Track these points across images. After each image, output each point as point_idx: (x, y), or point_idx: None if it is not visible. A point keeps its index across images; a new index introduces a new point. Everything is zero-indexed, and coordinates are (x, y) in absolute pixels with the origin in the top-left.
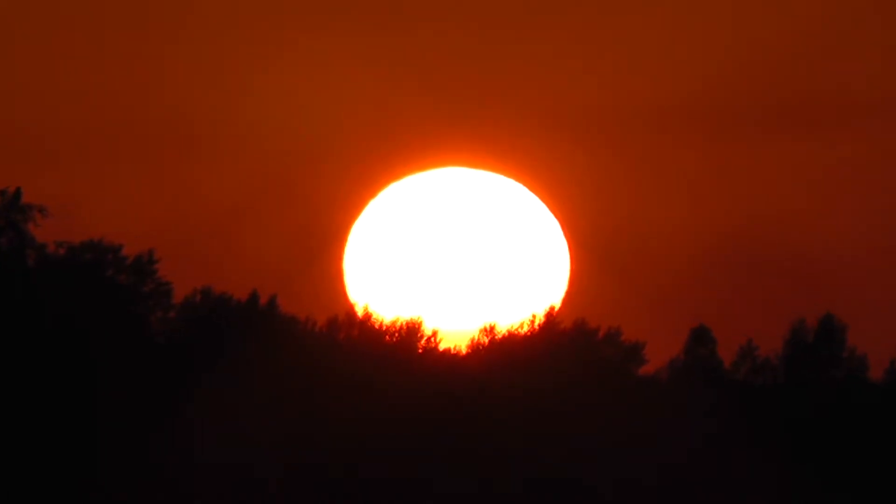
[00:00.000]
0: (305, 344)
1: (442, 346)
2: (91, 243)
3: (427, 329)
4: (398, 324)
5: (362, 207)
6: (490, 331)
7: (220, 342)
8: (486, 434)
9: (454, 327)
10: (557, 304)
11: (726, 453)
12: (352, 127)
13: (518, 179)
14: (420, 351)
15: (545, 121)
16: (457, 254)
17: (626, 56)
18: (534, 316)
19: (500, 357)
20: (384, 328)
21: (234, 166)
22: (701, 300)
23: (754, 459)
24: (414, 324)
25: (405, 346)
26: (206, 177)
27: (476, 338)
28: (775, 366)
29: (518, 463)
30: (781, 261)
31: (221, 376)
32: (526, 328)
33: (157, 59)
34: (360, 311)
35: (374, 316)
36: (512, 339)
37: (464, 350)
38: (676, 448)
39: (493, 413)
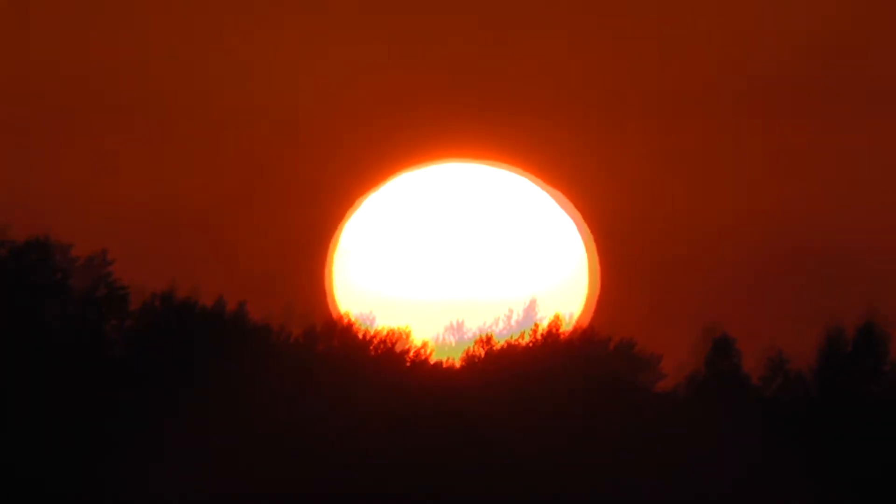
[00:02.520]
0: (278, 356)
1: (433, 359)
2: (37, 242)
3: (416, 340)
4: (383, 334)
5: (354, 206)
6: (487, 342)
7: (181, 353)
8: (480, 456)
9: (456, 338)
10: (576, 312)
11: (753, 478)
12: (347, 118)
13: (528, 173)
14: (408, 364)
15: (551, 109)
16: (459, 258)
17: (645, 37)
18: (536, 325)
19: (497, 371)
20: (368, 339)
21: (212, 157)
22: (724, 306)
23: (784, 485)
24: (401, 334)
25: (391, 359)
26: (179, 167)
27: (471, 350)
28: (808, 380)
29: (516, 487)
30: (816, 261)
31: (182, 392)
32: (527, 339)
33: (122, 32)
34: (342, 320)
35: (358, 326)
36: (511, 352)
37: (458, 363)
38: (696, 473)
39: (489, 433)
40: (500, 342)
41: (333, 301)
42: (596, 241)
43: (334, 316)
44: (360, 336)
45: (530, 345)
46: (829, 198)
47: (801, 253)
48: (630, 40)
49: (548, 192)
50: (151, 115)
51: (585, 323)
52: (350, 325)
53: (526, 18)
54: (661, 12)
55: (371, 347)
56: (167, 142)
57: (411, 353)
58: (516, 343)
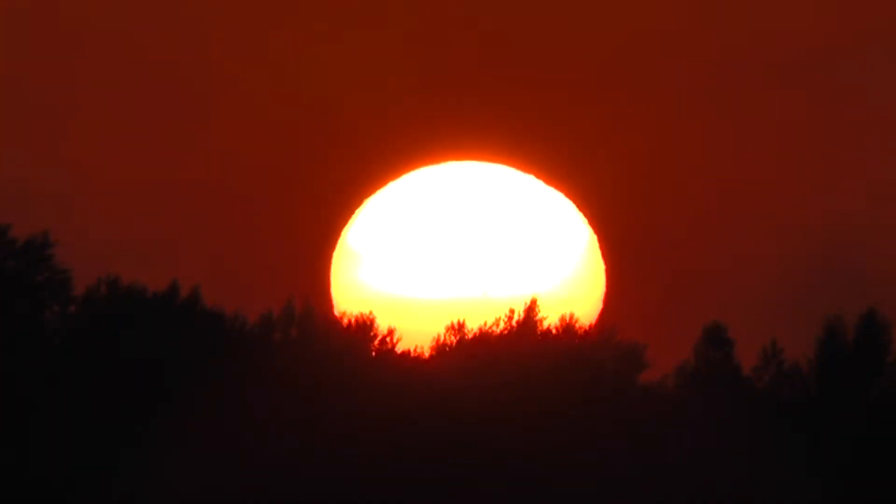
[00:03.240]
0: (273, 355)
1: (400, 348)
2: (37, 242)
3: (382, 328)
4: (345, 322)
5: (359, 206)
6: (459, 329)
7: (180, 354)
8: (448, 452)
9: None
10: (581, 312)
11: (745, 476)
12: (354, 119)
13: (530, 175)
14: (373, 353)
15: (554, 110)
16: (463, 257)
17: (651, 39)
18: (511, 311)
19: (469, 360)
20: (331, 327)
21: (218, 158)
22: (715, 293)
23: (779, 484)
24: (365, 321)
25: (354, 347)
26: (185, 168)
27: (441, 337)
28: (805, 373)
29: (486, 485)
30: (815, 249)
31: (182, 392)
32: (502, 326)
33: (128, 30)
34: (340, 319)
35: (318, 312)
36: (485, 340)
37: (427, 352)
38: (684, 471)
39: (457, 427)
40: (472, 330)
41: (334, 300)
42: (599, 240)
43: (336, 315)
44: (321, 324)
45: (504, 332)
46: (832, 198)
47: (804, 254)
48: (636, 42)
49: (550, 192)
50: (159, 112)
51: (592, 323)
52: (310, 313)
53: (537, 21)
54: (668, 13)
55: (333, 336)
56: (174, 140)
57: (376, 342)
58: (490, 331)
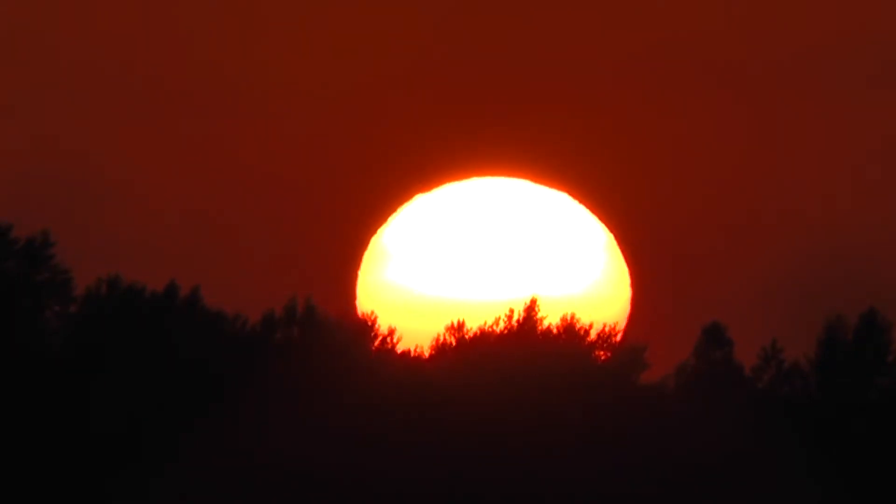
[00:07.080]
0: (231, 343)
1: (401, 347)
2: (37, 242)
3: (382, 327)
4: (347, 322)
5: (385, 219)
6: (458, 328)
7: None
8: (446, 452)
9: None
10: (594, 317)
11: (745, 476)
12: (378, 129)
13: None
14: (373, 353)
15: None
16: (493, 264)
17: (659, 48)
18: (511, 311)
19: (468, 360)
20: (332, 327)
21: (239, 163)
22: (715, 293)
23: (779, 484)
24: (366, 320)
25: (355, 347)
26: (204, 176)
27: (442, 337)
28: (806, 372)
29: (486, 484)
30: (815, 249)
31: (188, 392)
32: (502, 326)
33: (149, 28)
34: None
35: (320, 311)
36: (484, 340)
37: (427, 352)
38: (684, 472)
39: (455, 427)
40: (472, 330)
41: (358, 299)
42: (620, 245)
43: (351, 314)
44: (322, 324)
45: (504, 332)
46: (832, 198)
47: (804, 254)
48: (640, 46)
49: (555, 195)
50: (168, 111)
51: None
52: (311, 313)
53: (536, 23)
54: (670, 15)
55: (333, 336)
56: (198, 144)
57: (377, 342)
58: (490, 330)
